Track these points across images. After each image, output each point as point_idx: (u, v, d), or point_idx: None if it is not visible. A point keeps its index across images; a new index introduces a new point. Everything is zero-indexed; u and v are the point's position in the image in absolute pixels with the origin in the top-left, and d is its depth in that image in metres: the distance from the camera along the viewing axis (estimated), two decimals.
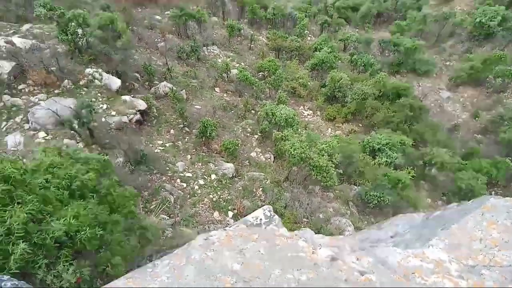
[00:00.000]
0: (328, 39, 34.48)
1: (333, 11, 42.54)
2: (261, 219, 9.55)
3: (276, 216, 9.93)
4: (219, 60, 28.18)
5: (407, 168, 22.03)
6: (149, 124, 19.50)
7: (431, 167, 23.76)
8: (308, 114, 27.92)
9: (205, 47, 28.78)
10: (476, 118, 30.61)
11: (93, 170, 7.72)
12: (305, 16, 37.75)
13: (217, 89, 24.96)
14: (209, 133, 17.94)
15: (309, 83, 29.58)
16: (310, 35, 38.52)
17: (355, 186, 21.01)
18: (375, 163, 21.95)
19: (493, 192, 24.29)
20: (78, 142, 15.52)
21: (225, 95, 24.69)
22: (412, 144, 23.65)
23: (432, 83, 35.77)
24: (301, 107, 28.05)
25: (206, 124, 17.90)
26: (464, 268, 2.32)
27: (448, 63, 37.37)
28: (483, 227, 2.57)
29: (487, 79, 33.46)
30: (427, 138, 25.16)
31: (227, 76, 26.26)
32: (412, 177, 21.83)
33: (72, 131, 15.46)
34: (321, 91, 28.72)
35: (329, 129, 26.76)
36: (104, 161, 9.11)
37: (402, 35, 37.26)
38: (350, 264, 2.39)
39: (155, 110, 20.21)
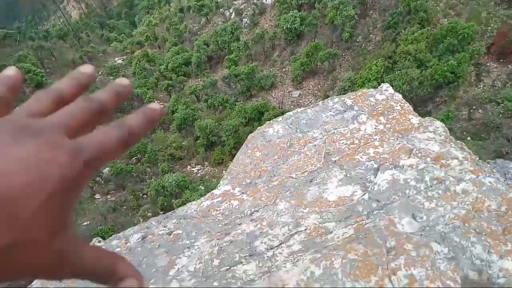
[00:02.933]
0: (179, 98, 35.68)
1: (171, 74, 44.34)
2: None
3: None
4: None
5: None
6: None
7: None
8: (198, 170, 27.99)
9: None
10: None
11: None
12: (147, 90, 38.50)
13: (97, 195, 23.24)
14: None
15: (183, 143, 29.87)
16: (161, 103, 39.24)
17: None
18: None
19: None
20: None
21: (108, 196, 23.13)
22: None
23: (282, 90, 39.80)
24: (188, 167, 28.01)
25: (101, 234, 16.36)
26: (243, 186, 3.00)
27: (284, 69, 42.18)
28: (249, 154, 3.36)
29: (318, 66, 38.85)
30: None
31: (102, 178, 24.74)
32: None
33: None
34: (197, 143, 29.25)
35: (223, 171, 27.20)
36: None
37: (237, 65, 40.85)
38: None
39: None
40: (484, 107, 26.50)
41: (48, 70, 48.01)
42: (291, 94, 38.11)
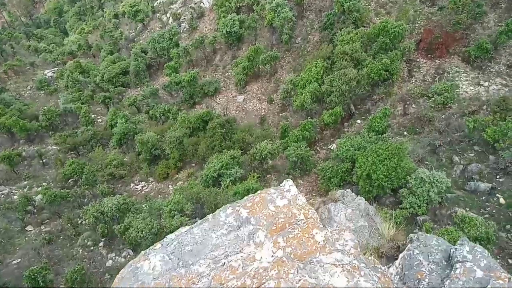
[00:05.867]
0: (118, 111, 33.78)
1: (108, 85, 41.91)
2: None
3: None
4: (15, 197, 24.01)
5: (250, 174, 23.32)
6: None
7: (267, 161, 25.75)
8: (142, 187, 26.59)
9: None
10: (272, 102, 35.00)
11: None
12: (82, 104, 36.03)
13: (28, 227, 21.13)
14: (42, 281, 14.84)
15: (124, 159, 28.29)
16: (99, 117, 36.98)
17: None
18: (223, 188, 22.42)
19: (318, 147, 28.16)
20: None
21: (42, 227, 21.12)
22: (241, 153, 25.16)
23: (226, 95, 39.21)
24: (131, 184, 26.51)
25: (33, 275, 14.75)
26: None
27: (226, 74, 41.62)
28: None
29: (260, 69, 38.76)
30: (248, 140, 27.17)
31: (34, 207, 22.60)
32: (258, 177, 23.23)
33: None
34: (140, 158, 27.82)
35: (169, 186, 26.08)
36: None
37: (178, 73, 39.57)
38: None
39: None
40: (417, 102, 27.87)
41: None
42: (236, 99, 37.70)
